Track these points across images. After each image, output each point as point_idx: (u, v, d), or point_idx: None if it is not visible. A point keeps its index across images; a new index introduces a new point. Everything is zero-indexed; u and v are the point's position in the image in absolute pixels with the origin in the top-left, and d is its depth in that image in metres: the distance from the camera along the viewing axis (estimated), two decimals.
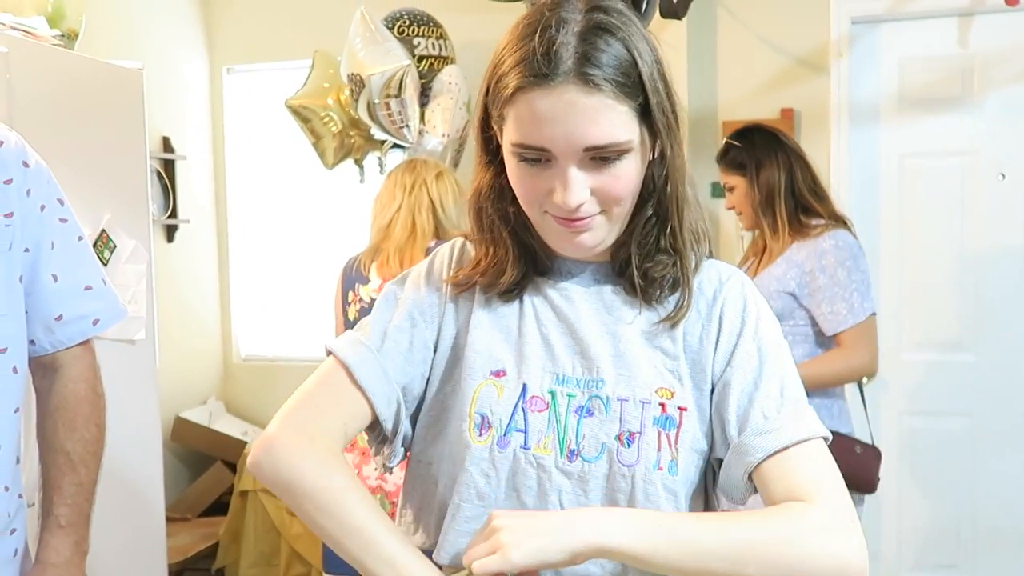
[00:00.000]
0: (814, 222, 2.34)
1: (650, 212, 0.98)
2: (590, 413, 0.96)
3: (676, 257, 0.99)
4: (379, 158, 3.32)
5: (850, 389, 2.43)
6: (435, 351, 1.03)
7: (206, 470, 3.67)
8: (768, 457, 0.92)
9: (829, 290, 2.26)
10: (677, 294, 1.00)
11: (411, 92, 2.97)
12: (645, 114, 0.92)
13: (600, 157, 0.91)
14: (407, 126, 3.00)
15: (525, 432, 0.96)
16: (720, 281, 1.02)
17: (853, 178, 3.12)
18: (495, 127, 0.97)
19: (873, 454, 2.31)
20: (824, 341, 2.32)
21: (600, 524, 0.84)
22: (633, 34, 0.91)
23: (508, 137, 0.94)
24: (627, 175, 0.93)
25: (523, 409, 0.97)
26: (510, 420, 0.96)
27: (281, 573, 3.10)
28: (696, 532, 0.86)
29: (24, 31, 2.17)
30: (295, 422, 0.98)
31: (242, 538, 3.19)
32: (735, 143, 2.44)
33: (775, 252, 2.37)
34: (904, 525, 3.16)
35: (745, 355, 0.97)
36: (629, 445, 0.94)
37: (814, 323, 2.31)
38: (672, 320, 0.99)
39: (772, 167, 2.36)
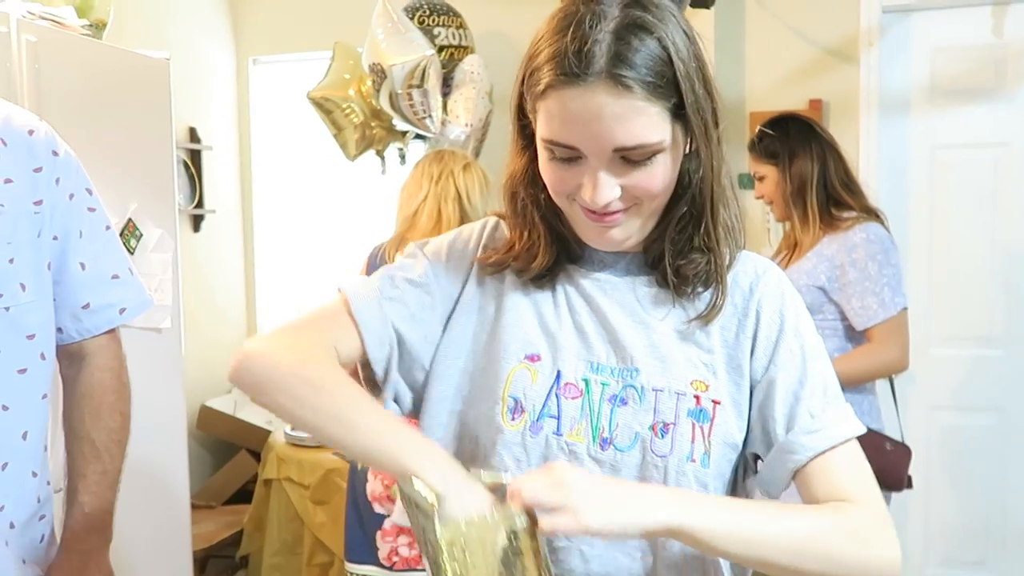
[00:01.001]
0: (845, 215, 2.30)
1: (684, 209, 0.97)
2: (624, 402, 0.95)
3: (710, 255, 0.97)
4: (399, 149, 3.31)
5: (881, 385, 2.40)
6: (445, 327, 1.02)
7: (231, 458, 3.69)
8: (816, 456, 0.93)
9: (859, 284, 2.23)
10: (711, 291, 0.99)
11: (434, 82, 2.96)
12: (679, 113, 0.90)
13: (631, 158, 0.90)
14: (430, 116, 3.00)
15: (558, 418, 0.95)
16: (756, 274, 1.01)
17: (882, 170, 3.07)
18: (530, 115, 0.96)
19: (903, 452, 2.28)
20: (854, 336, 2.29)
21: (674, 507, 0.83)
22: (671, 31, 0.89)
23: (539, 131, 0.93)
24: (659, 174, 0.91)
25: (557, 395, 0.96)
26: (543, 406, 0.96)
27: (304, 561, 3.11)
28: (761, 523, 0.86)
29: (53, 21, 2.18)
30: (280, 333, 0.97)
31: (266, 526, 3.21)
32: (769, 132, 2.41)
33: (805, 245, 2.34)
34: (932, 521, 3.12)
35: (788, 353, 0.97)
36: (663, 436, 0.93)
37: (844, 318, 2.28)
38: (705, 319, 0.98)
39: (805, 158, 2.33)
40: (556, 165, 0.93)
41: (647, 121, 0.88)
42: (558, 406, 0.96)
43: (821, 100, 3.10)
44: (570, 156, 0.91)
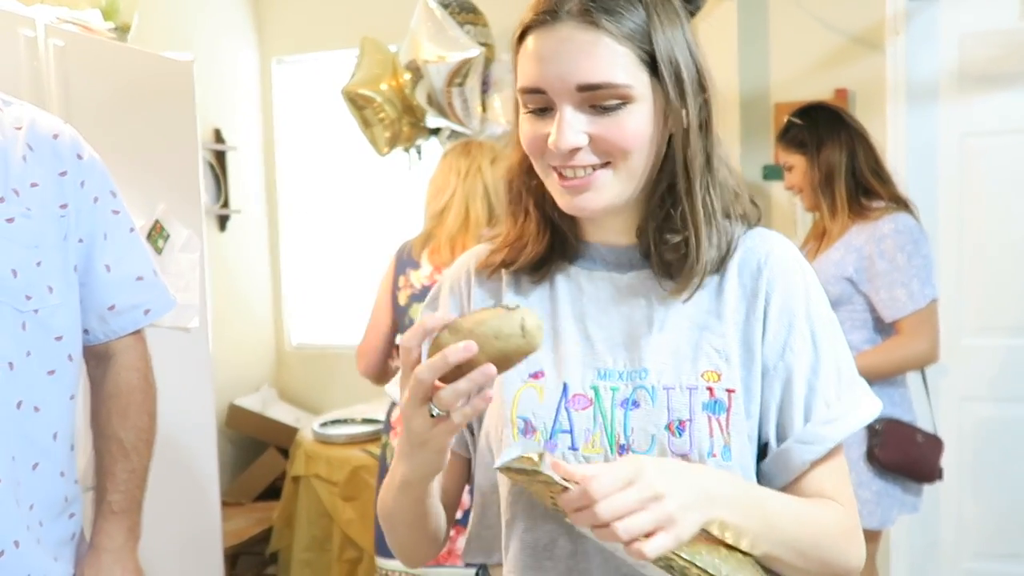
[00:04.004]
0: (874, 204, 2.27)
1: (664, 187, 0.94)
2: (636, 405, 0.92)
3: (685, 237, 0.94)
4: (416, 147, 3.30)
5: (912, 376, 2.36)
6: None
7: (259, 456, 3.72)
8: (834, 448, 0.94)
9: (888, 275, 2.20)
10: (698, 273, 0.95)
11: (475, 80, 2.97)
12: (653, 67, 0.90)
13: (600, 105, 0.89)
14: (469, 113, 3.00)
15: (571, 432, 0.93)
16: (765, 252, 0.98)
17: (911, 159, 3.03)
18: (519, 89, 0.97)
19: (935, 443, 2.25)
20: (883, 327, 2.26)
21: (718, 508, 0.84)
22: None
23: (517, 87, 0.94)
24: (631, 126, 0.90)
25: (566, 409, 0.94)
26: (554, 422, 0.93)
27: (334, 557, 3.13)
28: (785, 524, 0.89)
29: (80, 25, 2.20)
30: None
31: (295, 522, 3.23)
32: (797, 121, 2.39)
33: (834, 235, 2.31)
34: (965, 513, 3.08)
35: (801, 340, 0.95)
36: (680, 434, 0.91)
37: (873, 309, 2.25)
38: (679, 290, 0.95)
39: (833, 147, 2.31)
40: (529, 120, 0.93)
41: (612, 59, 0.88)
42: (569, 420, 0.93)
43: (847, 89, 3.06)
44: (541, 106, 0.91)
